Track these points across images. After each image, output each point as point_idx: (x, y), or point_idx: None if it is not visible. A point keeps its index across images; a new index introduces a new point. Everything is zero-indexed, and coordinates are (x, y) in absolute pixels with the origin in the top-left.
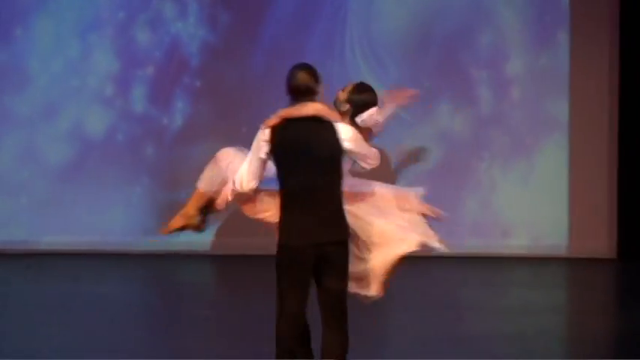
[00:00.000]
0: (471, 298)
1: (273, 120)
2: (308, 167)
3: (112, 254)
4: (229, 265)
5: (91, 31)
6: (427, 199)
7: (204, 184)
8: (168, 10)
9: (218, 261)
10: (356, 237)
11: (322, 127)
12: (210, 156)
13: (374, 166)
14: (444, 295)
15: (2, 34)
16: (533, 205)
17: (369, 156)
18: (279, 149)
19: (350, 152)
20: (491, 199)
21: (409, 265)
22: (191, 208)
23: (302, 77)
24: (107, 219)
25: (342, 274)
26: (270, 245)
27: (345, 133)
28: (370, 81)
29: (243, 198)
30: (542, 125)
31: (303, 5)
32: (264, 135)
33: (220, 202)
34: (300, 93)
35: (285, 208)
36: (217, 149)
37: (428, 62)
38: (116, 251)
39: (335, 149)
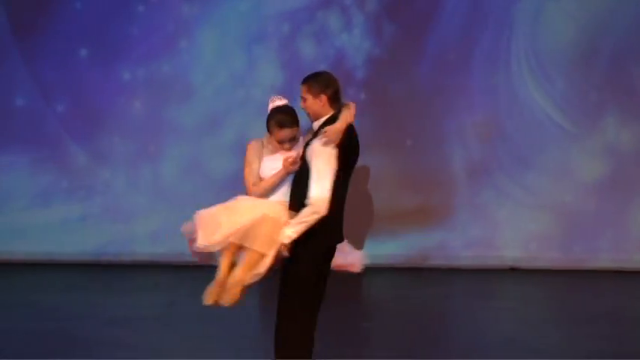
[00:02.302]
0: (638, 313)
1: (341, 132)
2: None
3: None
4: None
5: (255, 43)
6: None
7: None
8: (333, 23)
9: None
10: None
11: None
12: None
13: None
14: (610, 308)
15: (167, 46)
16: None
17: None
18: (347, 155)
19: None
20: None
21: (575, 277)
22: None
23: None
24: None
25: None
26: None
27: None
28: (536, 94)
29: None
30: None
31: (469, 17)
32: (334, 149)
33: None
34: (340, 96)
35: (332, 213)
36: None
37: (595, 75)
38: None
39: None
